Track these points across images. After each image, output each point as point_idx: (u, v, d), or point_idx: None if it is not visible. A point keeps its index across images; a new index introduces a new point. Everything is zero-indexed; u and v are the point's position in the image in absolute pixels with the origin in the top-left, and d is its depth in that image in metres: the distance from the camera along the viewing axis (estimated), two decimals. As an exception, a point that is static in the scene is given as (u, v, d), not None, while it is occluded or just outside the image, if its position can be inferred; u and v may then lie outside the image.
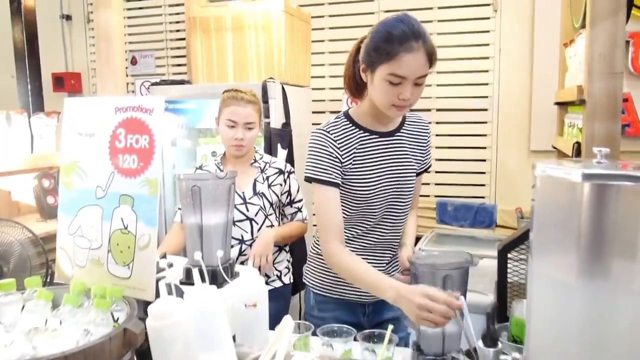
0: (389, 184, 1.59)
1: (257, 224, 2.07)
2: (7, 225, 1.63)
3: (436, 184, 3.84)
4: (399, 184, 1.60)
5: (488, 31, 3.74)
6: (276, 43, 2.59)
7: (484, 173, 3.84)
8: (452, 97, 3.84)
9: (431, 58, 1.43)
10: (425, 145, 1.68)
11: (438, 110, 3.89)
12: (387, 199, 1.60)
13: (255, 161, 2.13)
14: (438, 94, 3.87)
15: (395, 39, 1.39)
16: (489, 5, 3.72)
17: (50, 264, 1.58)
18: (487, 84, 3.79)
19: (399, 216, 1.64)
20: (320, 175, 1.52)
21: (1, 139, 2.20)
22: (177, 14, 4.48)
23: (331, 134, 1.54)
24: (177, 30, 4.52)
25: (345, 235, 1.61)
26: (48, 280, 1.69)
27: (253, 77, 2.72)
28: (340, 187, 1.56)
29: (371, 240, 1.64)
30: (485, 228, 2.90)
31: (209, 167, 2.11)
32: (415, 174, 1.65)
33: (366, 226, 1.62)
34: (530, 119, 3.69)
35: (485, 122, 3.81)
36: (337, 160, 1.53)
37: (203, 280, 1.19)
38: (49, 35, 4.76)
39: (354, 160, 1.55)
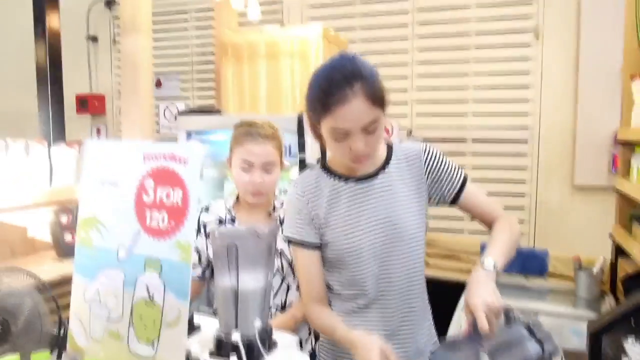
0: (380, 236, 1.33)
1: (273, 289, 1.71)
2: (16, 274, 1.46)
3: (471, 219, 3.63)
4: (394, 235, 1.34)
5: (529, 59, 3.55)
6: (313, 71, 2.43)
7: (522, 209, 3.62)
8: (490, 127, 3.65)
9: (376, 99, 1.21)
10: (422, 171, 1.39)
11: (474, 141, 3.70)
12: (382, 254, 1.34)
13: (275, 209, 1.76)
14: (474, 124, 3.68)
15: (326, 90, 1.20)
16: (530, 32, 3.53)
17: (64, 322, 1.39)
18: (527, 115, 3.59)
19: (406, 276, 1.36)
20: (295, 235, 1.36)
21: (19, 170, 2.06)
22: (204, 36, 4.38)
23: (300, 188, 1.37)
24: (204, 54, 4.41)
25: (345, 309, 1.39)
26: (62, 335, 1.51)
27: (287, 107, 2.53)
28: (322, 249, 1.37)
29: (379, 312, 1.37)
30: (536, 276, 2.66)
31: (219, 210, 1.78)
32: (417, 217, 1.37)
33: (366, 295, 1.36)
34: (574, 152, 3.48)
35: (525, 155, 3.60)
36: (308, 217, 1.35)
37: (240, 362, 1.00)
38: (74, 56, 4.69)
39: (328, 214, 1.35)
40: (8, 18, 4.81)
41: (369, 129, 1.22)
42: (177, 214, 0.97)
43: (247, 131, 1.68)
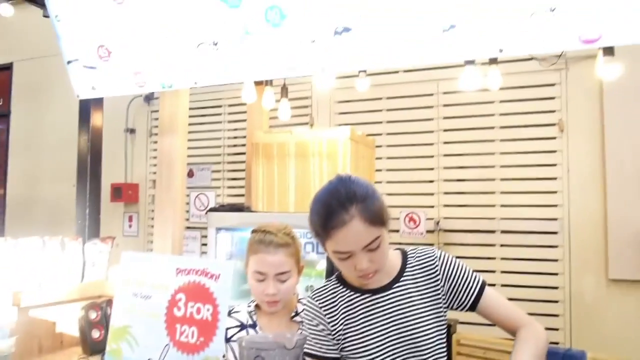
0: (397, 348, 1.33)
1: None
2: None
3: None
4: (411, 345, 1.33)
5: (554, 151, 3.58)
6: (341, 171, 2.49)
7: (556, 302, 3.51)
8: (518, 218, 3.62)
9: (374, 219, 1.24)
10: (438, 279, 1.39)
11: (503, 232, 3.66)
12: None
13: (297, 314, 1.70)
14: (503, 215, 3.66)
15: (324, 216, 1.25)
16: (554, 125, 3.59)
17: None
18: (555, 206, 3.56)
19: None
20: (314, 350, 1.36)
21: (54, 266, 2.12)
22: (236, 129, 4.57)
23: (316, 301, 1.41)
24: (235, 147, 4.58)
25: None
26: None
27: (315, 205, 2.58)
28: None
29: None
30: (574, 380, 2.52)
31: (241, 314, 1.73)
32: (434, 326, 1.36)
33: None
34: (606, 244, 3.41)
35: (556, 247, 3.54)
36: (326, 331, 1.37)
37: None
38: (112, 147, 4.91)
39: (345, 327, 1.36)
40: (56, 114, 5.15)
41: (371, 247, 1.26)
42: (207, 329, 0.99)
43: (260, 239, 1.65)
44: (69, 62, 2.40)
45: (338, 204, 1.23)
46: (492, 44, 1.57)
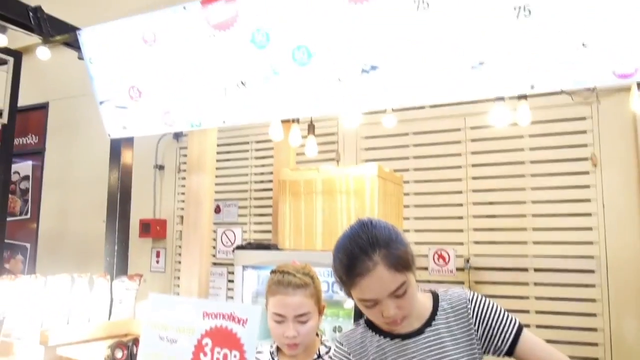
0: None
1: None
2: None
3: None
4: None
5: (588, 186, 3.48)
6: (369, 209, 2.46)
7: (596, 345, 3.34)
8: (552, 256, 3.50)
9: (399, 265, 1.19)
10: (471, 322, 1.32)
11: (536, 270, 3.54)
12: None
13: (319, 357, 1.64)
14: (536, 253, 3.55)
15: (347, 264, 1.21)
16: (586, 159, 3.50)
17: None
18: (591, 243, 3.44)
19: None
20: None
21: (82, 304, 2.12)
22: (263, 166, 4.60)
23: (345, 347, 1.36)
24: (262, 183, 4.60)
25: None
26: None
27: (343, 243, 2.55)
28: None
29: None
30: None
31: (263, 354, 1.68)
32: None
33: None
34: (646, 283, 3.26)
35: (593, 286, 3.40)
36: None
37: None
38: (141, 183, 4.99)
39: None
40: (89, 151, 5.28)
41: (398, 294, 1.21)
42: (233, 377, 0.96)
43: (278, 280, 1.62)
44: (101, 103, 2.47)
45: (360, 251, 1.20)
46: (523, 81, 1.54)
